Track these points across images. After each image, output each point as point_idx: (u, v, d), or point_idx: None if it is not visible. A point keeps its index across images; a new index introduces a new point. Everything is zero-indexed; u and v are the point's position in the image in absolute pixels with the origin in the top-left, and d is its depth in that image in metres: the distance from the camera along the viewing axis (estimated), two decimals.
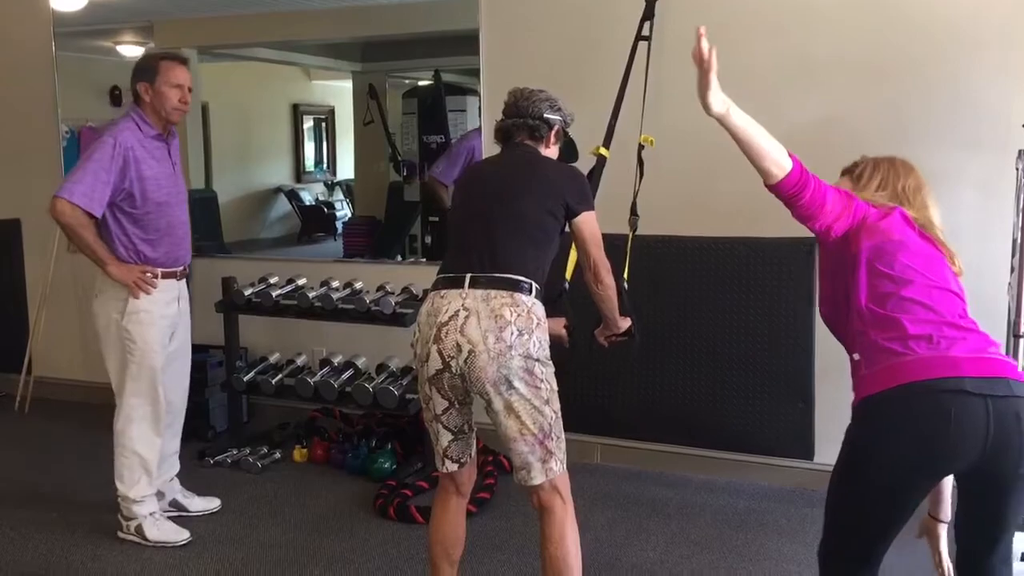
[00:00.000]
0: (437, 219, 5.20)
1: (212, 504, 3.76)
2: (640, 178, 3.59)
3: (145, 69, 3.38)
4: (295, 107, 7.86)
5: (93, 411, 5.07)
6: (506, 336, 2.39)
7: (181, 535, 3.47)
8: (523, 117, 2.69)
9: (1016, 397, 1.94)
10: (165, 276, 3.43)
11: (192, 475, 3.90)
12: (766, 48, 3.84)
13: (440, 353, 2.42)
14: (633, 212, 3.44)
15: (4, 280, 5.48)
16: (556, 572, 2.52)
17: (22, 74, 5.31)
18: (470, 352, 2.39)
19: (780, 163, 2.16)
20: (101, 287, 3.42)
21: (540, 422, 2.47)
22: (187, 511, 3.69)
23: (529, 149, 2.68)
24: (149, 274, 3.38)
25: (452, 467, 2.60)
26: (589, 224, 2.62)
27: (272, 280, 4.45)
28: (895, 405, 2.01)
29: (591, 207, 2.65)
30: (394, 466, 4.11)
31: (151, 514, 3.47)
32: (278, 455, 4.34)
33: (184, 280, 3.57)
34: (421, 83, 6.22)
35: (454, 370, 2.43)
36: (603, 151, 3.56)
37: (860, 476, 2.07)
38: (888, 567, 3.25)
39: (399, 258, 5.47)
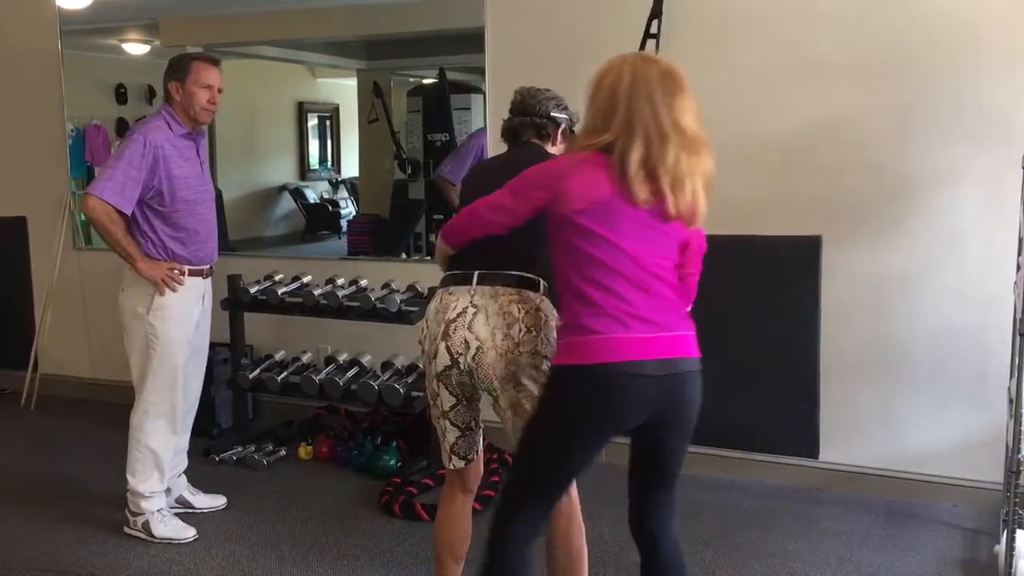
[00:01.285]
0: (442, 217, 5.21)
1: (218, 501, 3.77)
2: None
3: (177, 68, 3.41)
4: (300, 105, 7.86)
5: (98, 408, 5.10)
6: (514, 333, 2.40)
7: (188, 532, 3.48)
8: (530, 115, 2.69)
9: (686, 372, 2.17)
10: (192, 274, 3.46)
11: (198, 472, 3.91)
12: (770, 45, 3.84)
13: (448, 350, 2.43)
14: None
15: (10, 278, 5.50)
16: (563, 568, 2.53)
17: (28, 72, 5.32)
18: (478, 349, 2.40)
19: None
20: (128, 282, 3.44)
21: None
22: (193, 508, 3.70)
23: (536, 147, 2.68)
24: (176, 271, 3.40)
25: (459, 464, 2.60)
26: None
27: (277, 278, 4.46)
28: (579, 380, 2.17)
29: None
30: (399, 463, 4.12)
31: (158, 510, 3.49)
32: (283, 452, 4.35)
33: (209, 279, 3.59)
34: (426, 81, 6.22)
35: (462, 367, 2.43)
36: None
37: (547, 428, 2.24)
38: (876, 568, 3.26)
39: (404, 256, 5.48)
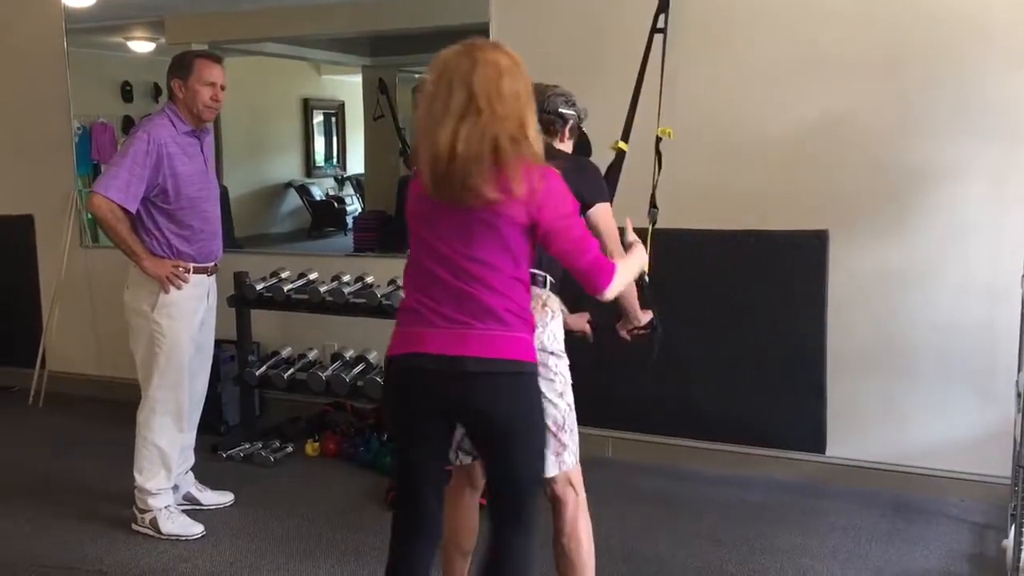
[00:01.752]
0: None
1: (225, 498, 3.78)
2: (659, 170, 3.59)
3: (180, 66, 3.42)
4: (305, 102, 7.87)
5: (106, 405, 5.11)
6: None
7: (195, 529, 3.49)
8: (538, 111, 2.67)
9: (469, 372, 2.11)
10: (196, 271, 3.47)
11: (205, 468, 3.92)
12: (774, 41, 3.83)
13: None
14: (653, 204, 3.43)
15: (18, 275, 5.51)
16: (569, 564, 2.53)
17: (34, 70, 5.33)
18: None
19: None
20: (133, 280, 3.45)
21: (554, 415, 2.48)
22: (200, 504, 3.71)
23: (544, 144, 2.65)
24: (181, 269, 3.41)
25: (466, 460, 2.59)
26: (604, 216, 2.59)
27: (283, 275, 4.46)
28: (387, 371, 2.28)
29: (605, 199, 2.63)
30: None
31: (166, 507, 3.49)
32: (290, 449, 4.36)
33: (213, 276, 3.60)
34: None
35: None
36: (622, 145, 3.55)
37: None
38: (884, 563, 3.26)
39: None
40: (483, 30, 4.27)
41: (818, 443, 3.92)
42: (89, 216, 5.35)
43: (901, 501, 3.74)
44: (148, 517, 3.48)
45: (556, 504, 2.54)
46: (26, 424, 5.01)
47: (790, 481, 3.97)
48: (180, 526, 3.49)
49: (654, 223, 3.44)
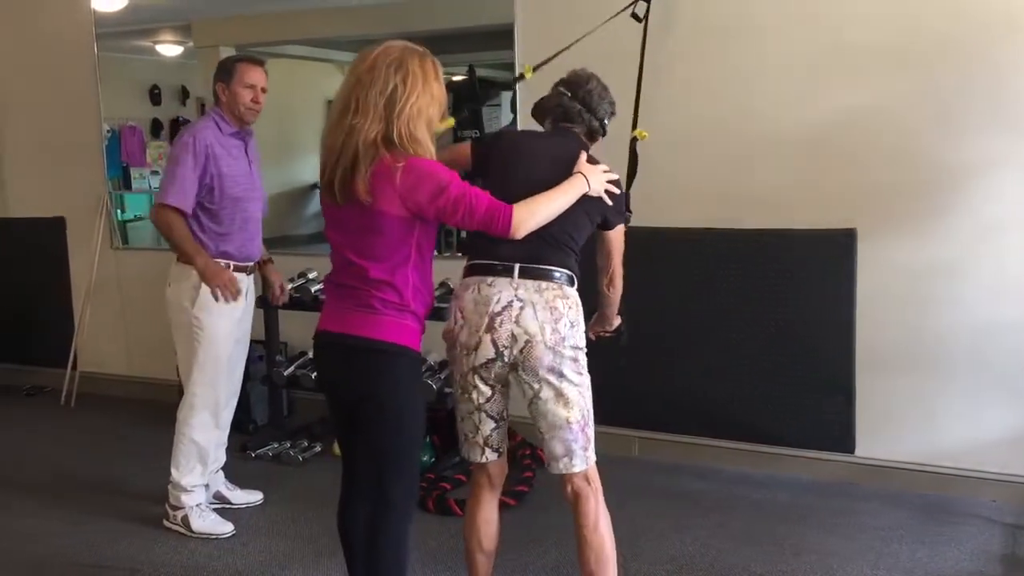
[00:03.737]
0: None
1: (255, 497, 3.82)
2: (634, 175, 3.53)
3: (223, 70, 3.51)
4: (329, 103, 7.89)
5: (136, 405, 5.19)
6: (561, 327, 2.43)
7: (225, 527, 3.53)
8: (590, 112, 2.67)
9: (346, 345, 2.33)
10: (236, 270, 3.53)
11: (234, 468, 3.95)
12: (799, 36, 3.80)
13: (494, 343, 2.42)
14: (627, 208, 3.36)
15: (50, 277, 5.59)
16: (594, 558, 2.54)
17: (65, 75, 5.40)
18: (527, 343, 2.41)
19: None
20: (174, 276, 3.51)
21: (583, 410, 2.52)
22: (230, 503, 3.75)
23: (581, 145, 2.64)
24: (235, 287, 3.47)
25: (492, 456, 2.60)
26: (619, 237, 2.69)
27: (311, 275, 4.50)
28: None
29: (624, 220, 2.70)
30: (432, 459, 4.13)
31: (197, 505, 3.54)
32: (318, 448, 4.39)
33: (252, 275, 3.66)
34: (455, 78, 6.23)
35: (506, 359, 2.44)
36: (643, 133, 3.52)
37: None
38: (915, 564, 3.22)
39: (434, 252, 5.48)
40: (508, 31, 4.28)
41: (847, 443, 3.89)
42: (121, 218, 5.46)
43: (931, 502, 3.71)
44: (180, 514, 3.53)
45: (579, 499, 2.56)
46: (58, 423, 5.08)
47: (818, 481, 3.94)
48: (210, 524, 3.53)
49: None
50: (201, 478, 3.55)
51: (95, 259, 5.36)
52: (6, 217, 5.66)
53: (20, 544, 3.49)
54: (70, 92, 5.39)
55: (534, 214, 2.35)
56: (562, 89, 2.70)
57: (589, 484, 2.55)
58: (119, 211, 5.52)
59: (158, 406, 5.08)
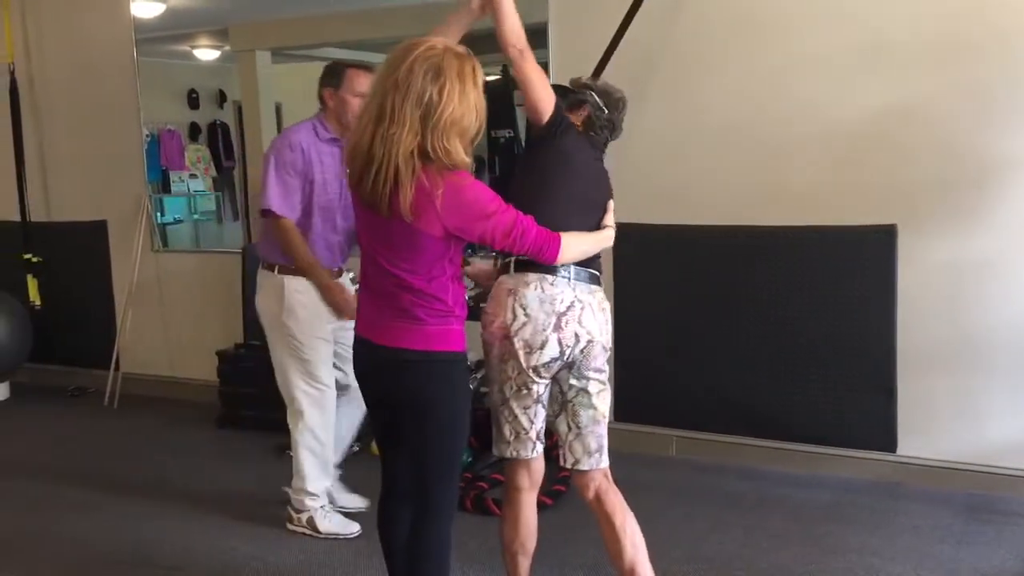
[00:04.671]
0: None
1: (360, 503, 3.72)
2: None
3: (332, 75, 3.43)
4: None
5: (177, 406, 5.26)
6: (608, 328, 2.54)
7: (352, 527, 3.50)
8: (616, 130, 2.72)
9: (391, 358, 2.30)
10: None
11: (274, 467, 3.99)
12: (837, 30, 3.75)
13: (560, 342, 2.45)
14: None
15: (92, 280, 5.68)
16: (629, 544, 2.57)
17: (106, 81, 5.49)
18: (588, 343, 2.47)
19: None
20: (261, 283, 3.49)
21: (605, 408, 2.60)
22: (336, 504, 3.65)
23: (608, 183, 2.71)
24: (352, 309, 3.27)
25: (540, 448, 2.63)
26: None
27: (350, 276, 4.50)
28: None
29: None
30: (470, 459, 4.14)
31: (322, 507, 3.50)
32: (357, 448, 4.40)
33: (339, 279, 3.57)
34: (489, 78, 6.23)
35: (566, 358, 2.49)
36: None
37: None
38: (958, 564, 3.18)
39: (469, 252, 5.49)
40: (542, 30, 4.28)
41: (889, 442, 3.84)
42: (160, 220, 5.53)
43: (975, 501, 3.65)
44: (304, 516, 3.50)
45: (607, 493, 2.60)
46: (102, 424, 5.16)
47: (860, 481, 3.90)
48: (337, 524, 3.51)
49: None
50: (322, 481, 3.50)
51: (136, 262, 5.44)
52: (50, 221, 5.76)
53: (66, 543, 3.55)
54: (111, 98, 5.48)
55: (574, 254, 2.41)
56: (600, 104, 2.68)
57: (607, 478, 2.62)
58: (159, 214, 5.60)
59: (198, 407, 5.15)
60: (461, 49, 2.21)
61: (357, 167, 2.19)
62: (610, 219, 2.60)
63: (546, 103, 2.49)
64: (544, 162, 2.56)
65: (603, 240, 2.56)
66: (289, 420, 3.53)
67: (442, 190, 2.13)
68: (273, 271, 3.44)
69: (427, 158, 2.13)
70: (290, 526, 3.55)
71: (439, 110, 2.11)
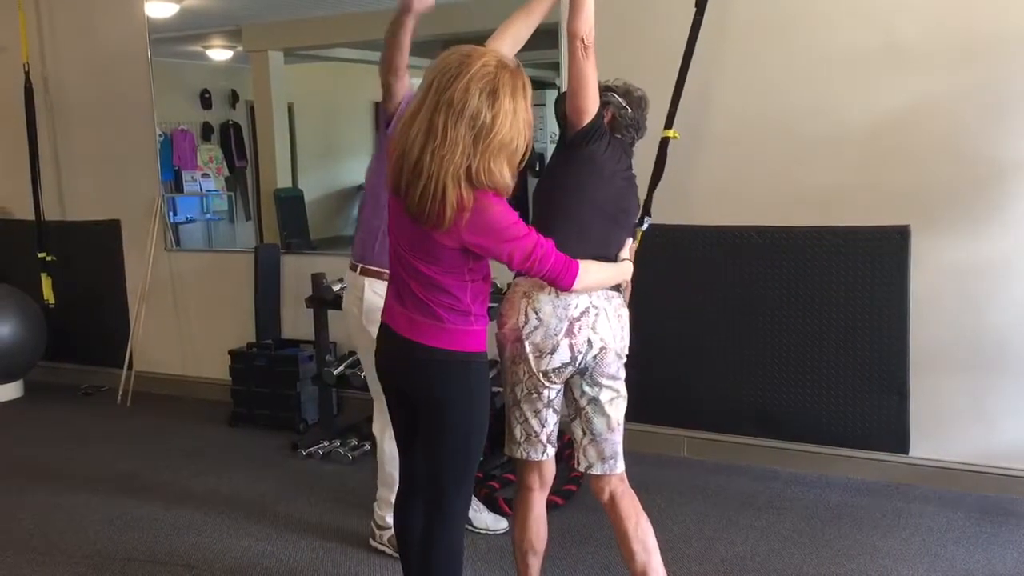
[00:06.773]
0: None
1: (500, 524, 3.52)
2: (660, 177, 3.42)
3: None
4: (376, 105, 7.94)
5: (189, 404, 5.28)
6: (624, 335, 2.53)
7: (501, 523, 3.46)
8: (641, 129, 2.71)
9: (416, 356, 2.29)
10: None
11: (285, 467, 4.00)
12: (851, 32, 3.74)
13: (571, 347, 2.45)
14: (646, 211, 3.29)
15: (106, 279, 5.71)
16: (642, 547, 2.57)
17: (121, 81, 5.51)
18: (601, 349, 2.47)
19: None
20: (346, 281, 3.37)
21: (620, 415, 2.58)
22: (470, 525, 3.45)
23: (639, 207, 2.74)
24: None
25: (551, 451, 2.63)
26: None
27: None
28: None
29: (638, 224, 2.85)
30: (481, 458, 4.14)
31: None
32: (367, 447, 4.42)
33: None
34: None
35: (578, 364, 2.48)
36: (670, 134, 3.45)
37: None
38: (970, 566, 3.16)
39: None
40: (553, 31, 4.27)
41: (901, 443, 3.83)
42: (173, 220, 5.54)
43: (988, 503, 3.64)
44: (387, 535, 3.32)
45: (622, 497, 2.60)
46: (115, 422, 5.18)
47: (872, 482, 3.89)
48: (491, 520, 3.49)
49: (644, 230, 3.19)
50: None
51: (149, 261, 5.47)
52: (64, 220, 5.80)
53: (80, 540, 3.57)
54: (125, 98, 5.50)
55: (589, 283, 2.37)
56: (623, 103, 2.67)
57: (623, 482, 2.61)
58: (171, 213, 5.63)
59: (211, 405, 5.18)
60: (512, 63, 2.18)
61: (403, 177, 2.15)
62: (626, 252, 2.59)
63: (594, 105, 2.50)
64: (574, 168, 2.55)
65: (621, 273, 2.55)
66: (374, 427, 3.37)
67: (470, 208, 2.12)
68: (356, 271, 3.21)
69: (470, 179, 2.11)
70: (372, 542, 3.40)
71: (492, 134, 2.09)
